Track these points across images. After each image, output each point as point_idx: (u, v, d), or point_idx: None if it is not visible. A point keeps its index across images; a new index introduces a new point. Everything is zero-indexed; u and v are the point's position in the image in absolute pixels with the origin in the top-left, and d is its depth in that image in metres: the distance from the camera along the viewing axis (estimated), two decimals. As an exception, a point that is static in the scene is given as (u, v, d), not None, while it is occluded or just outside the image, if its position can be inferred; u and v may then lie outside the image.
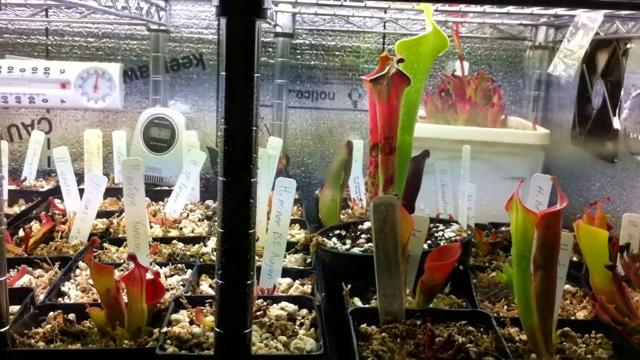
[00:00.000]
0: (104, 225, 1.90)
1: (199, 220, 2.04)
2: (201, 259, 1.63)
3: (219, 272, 1.02)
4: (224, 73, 0.99)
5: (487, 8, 1.98)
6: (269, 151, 1.92)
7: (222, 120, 1.00)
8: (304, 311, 1.35)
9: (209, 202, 2.26)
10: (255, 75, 1.00)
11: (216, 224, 1.93)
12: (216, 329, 1.04)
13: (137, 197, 1.57)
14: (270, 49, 2.54)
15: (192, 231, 1.94)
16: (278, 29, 2.48)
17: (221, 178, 1.01)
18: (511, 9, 1.99)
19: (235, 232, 1.02)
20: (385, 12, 2.45)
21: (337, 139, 2.61)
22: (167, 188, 2.30)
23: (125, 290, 1.26)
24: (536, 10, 1.98)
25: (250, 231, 1.02)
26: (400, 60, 1.60)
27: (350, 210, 2.16)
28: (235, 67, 0.99)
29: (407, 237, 1.36)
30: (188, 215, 2.03)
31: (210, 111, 2.57)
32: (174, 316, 1.26)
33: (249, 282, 1.03)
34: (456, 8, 2.05)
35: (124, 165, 1.55)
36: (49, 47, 2.49)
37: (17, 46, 2.48)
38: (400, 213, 1.28)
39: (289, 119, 2.57)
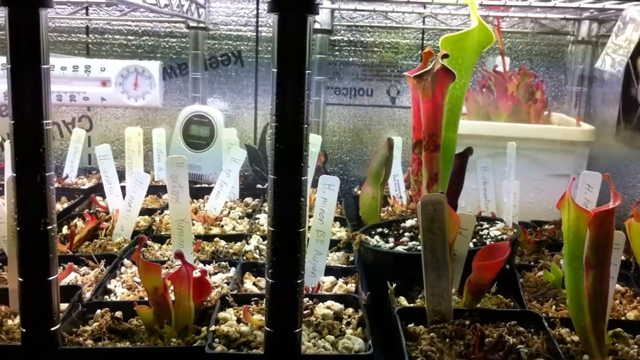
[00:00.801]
0: (146, 223, 1.91)
1: (239, 218, 2.04)
2: (244, 257, 1.63)
3: (269, 271, 1.02)
4: (275, 70, 0.98)
5: (533, 2, 1.94)
6: (310, 148, 1.90)
7: (273, 117, 0.99)
8: (350, 310, 1.34)
9: (248, 199, 2.26)
10: (307, 72, 0.98)
11: (257, 221, 1.95)
12: (266, 328, 1.03)
13: (181, 195, 1.57)
14: (308, 46, 2.52)
15: (233, 229, 1.94)
16: (317, 26, 2.47)
17: (271, 176, 1.00)
18: (558, 2, 1.94)
19: (286, 231, 1.01)
20: (425, 7, 2.42)
21: (375, 135, 2.60)
22: (206, 185, 2.31)
23: (172, 288, 1.26)
24: (583, 4, 1.93)
25: (301, 230, 1.01)
26: (445, 56, 1.57)
27: (390, 208, 2.14)
28: (286, 64, 0.97)
29: (454, 236, 1.34)
30: (229, 212, 2.04)
31: (248, 108, 2.57)
32: (221, 314, 1.26)
33: (299, 281, 1.02)
34: (501, 2, 2.01)
35: (168, 164, 1.55)
36: (90, 45, 2.51)
37: (58, 44, 2.50)
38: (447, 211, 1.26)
39: (326, 116, 2.56)
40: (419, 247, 1.56)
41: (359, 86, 2.56)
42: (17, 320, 1.27)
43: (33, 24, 0.96)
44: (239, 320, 1.24)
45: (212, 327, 1.19)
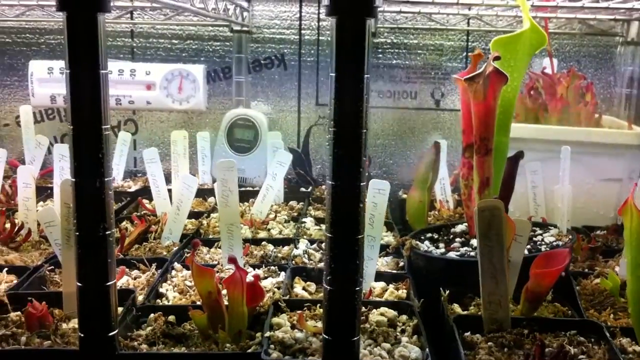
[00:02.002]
0: (193, 226, 1.91)
1: (285, 222, 2.03)
2: (293, 262, 1.62)
3: (328, 277, 1.00)
4: (333, 74, 0.96)
5: (586, 2, 1.89)
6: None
7: (332, 122, 0.97)
8: (404, 317, 1.32)
9: (292, 203, 2.25)
10: (366, 76, 0.97)
11: (303, 225, 1.93)
12: (324, 336, 1.02)
13: (231, 198, 1.56)
14: (352, 49, 2.50)
15: (280, 232, 1.93)
16: (360, 28, 2.44)
17: (330, 182, 0.99)
18: (611, 3, 1.90)
19: (344, 237, 0.99)
20: (470, 8, 2.39)
21: (419, 139, 2.57)
22: (250, 189, 2.31)
23: (225, 292, 1.25)
24: (638, 4, 1.88)
25: (360, 236, 1.00)
26: (497, 58, 1.54)
27: (437, 212, 2.12)
28: (345, 68, 0.96)
29: (510, 242, 1.32)
30: (275, 216, 2.03)
31: (291, 112, 2.56)
32: (275, 320, 1.25)
33: (358, 288, 1.01)
34: (552, 3, 1.97)
35: (218, 168, 1.55)
36: (135, 49, 2.53)
37: (104, 49, 2.52)
38: (504, 217, 1.24)
39: (370, 119, 2.53)
40: (472, 253, 1.54)
41: (403, 89, 2.54)
42: (72, 324, 1.28)
43: (91, 29, 0.96)
44: (293, 326, 1.23)
45: (267, 333, 1.18)
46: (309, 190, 2.40)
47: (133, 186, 2.32)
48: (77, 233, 0.99)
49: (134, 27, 2.51)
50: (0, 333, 1.20)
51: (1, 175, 2.01)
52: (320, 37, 2.51)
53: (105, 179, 0.98)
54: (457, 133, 2.50)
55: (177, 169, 2.20)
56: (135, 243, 1.73)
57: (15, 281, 1.48)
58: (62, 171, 1.96)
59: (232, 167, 1.56)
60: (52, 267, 1.53)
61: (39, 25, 2.51)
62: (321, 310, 1.31)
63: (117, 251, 1.66)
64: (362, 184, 0.99)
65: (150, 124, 2.58)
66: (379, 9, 2.34)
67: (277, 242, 1.79)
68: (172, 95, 2.42)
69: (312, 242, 1.78)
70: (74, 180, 0.98)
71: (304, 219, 2.02)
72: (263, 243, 1.77)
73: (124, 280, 1.49)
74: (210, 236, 1.86)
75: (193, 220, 1.96)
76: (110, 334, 1.02)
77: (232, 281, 1.23)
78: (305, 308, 1.33)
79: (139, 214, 2.01)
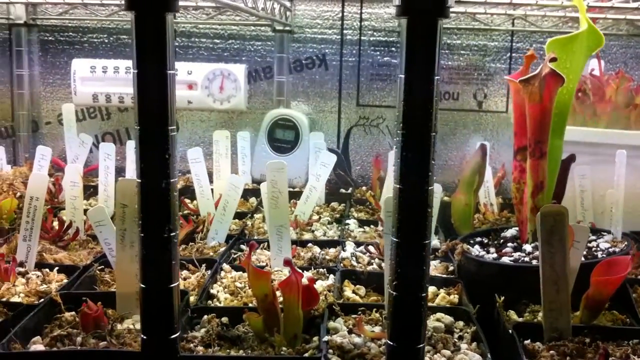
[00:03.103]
0: (237, 227, 1.90)
1: (329, 223, 2.02)
2: (341, 264, 1.60)
3: (394, 283, 0.98)
4: (402, 76, 0.95)
5: (636, 3, 1.85)
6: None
7: (400, 125, 0.95)
8: (461, 323, 1.29)
9: (334, 204, 2.23)
10: (436, 77, 0.95)
11: (347, 227, 1.92)
12: (389, 342, 1.00)
13: (280, 200, 1.55)
14: (393, 49, 2.49)
15: (324, 234, 1.91)
16: (403, 28, 2.42)
17: (397, 185, 0.97)
18: (667, 3, 1.85)
19: (411, 242, 0.97)
20: (515, 8, 2.35)
21: (461, 140, 2.53)
22: (291, 189, 2.29)
23: (280, 295, 1.24)
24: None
25: (427, 241, 0.98)
26: (553, 59, 1.51)
27: (482, 216, 2.09)
28: (415, 70, 0.94)
29: (568, 249, 1.28)
30: (320, 218, 2.01)
31: (332, 112, 2.54)
32: (331, 324, 1.23)
33: (424, 294, 0.99)
34: (608, 4, 1.93)
35: (268, 168, 1.54)
36: (177, 49, 2.53)
37: (146, 48, 2.53)
38: (566, 223, 1.21)
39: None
40: (526, 259, 1.51)
41: (445, 90, 2.51)
42: (126, 324, 1.27)
43: (159, 29, 0.95)
44: (350, 331, 1.21)
45: (325, 338, 1.16)
46: (349, 191, 2.38)
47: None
48: (142, 234, 0.98)
49: (176, 27, 2.51)
50: (55, 333, 1.20)
51: (46, 173, 2.02)
52: (362, 37, 2.49)
53: (171, 180, 0.98)
54: (500, 135, 2.48)
55: (219, 169, 2.20)
56: (182, 243, 1.72)
57: (65, 280, 1.48)
58: (107, 170, 1.97)
59: (282, 168, 1.55)
60: (102, 266, 1.53)
61: (81, 24, 2.53)
62: (377, 314, 1.29)
63: (165, 251, 1.66)
64: (430, 187, 0.97)
65: (190, 123, 2.58)
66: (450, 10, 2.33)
67: (323, 244, 1.78)
68: (214, 95, 2.42)
69: (357, 244, 1.77)
70: (140, 181, 0.97)
71: (347, 221, 2.00)
72: (309, 245, 1.75)
73: (174, 280, 1.48)
74: (255, 237, 1.85)
75: (236, 220, 1.96)
76: (172, 336, 1.02)
77: (288, 284, 1.21)
78: (360, 312, 1.31)
79: (181, 213, 2.00)
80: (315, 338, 1.21)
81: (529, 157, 1.58)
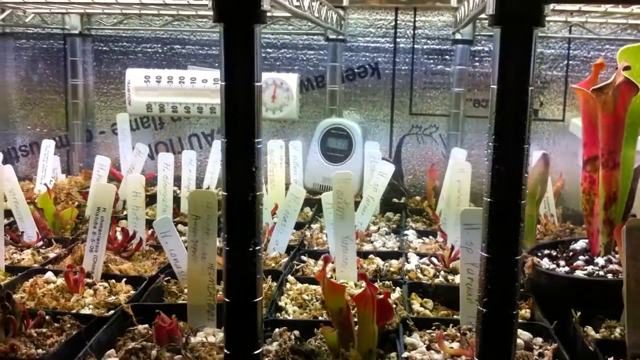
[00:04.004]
0: (295, 237, 1.89)
1: (386, 234, 1.99)
2: (407, 277, 1.58)
3: (484, 299, 0.95)
4: (495, 86, 0.92)
5: None
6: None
7: (492, 137, 0.93)
8: (539, 339, 1.26)
9: (389, 214, 2.21)
10: (530, 88, 0.92)
11: (405, 238, 1.89)
12: (478, 360, 0.97)
13: (346, 211, 1.54)
14: (447, 57, 2.46)
15: (384, 245, 1.89)
16: (457, 36, 2.40)
17: (487, 199, 0.94)
18: None
19: (503, 258, 0.94)
20: (572, 14, 2.30)
21: (516, 149, 2.48)
22: (345, 199, 2.27)
23: (355, 309, 1.22)
24: None
25: (518, 257, 0.95)
26: (627, 68, 1.47)
27: (543, 227, 2.04)
28: (509, 80, 0.91)
29: (651, 263, 1.24)
30: (378, 228, 1.99)
31: (384, 121, 2.52)
32: (408, 339, 1.21)
33: (515, 311, 0.96)
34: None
35: (336, 179, 1.53)
36: (229, 59, 2.53)
37: (198, 57, 2.54)
38: None
39: (465, 128, 2.48)
40: (600, 272, 1.47)
41: (500, 98, 2.46)
42: (199, 337, 1.26)
43: (248, 41, 0.94)
44: (428, 347, 1.19)
45: (405, 354, 1.14)
46: (402, 201, 2.35)
47: (228, 195, 2.32)
48: (227, 248, 0.97)
49: (228, 36, 2.51)
50: (130, 346, 1.20)
51: (105, 183, 2.03)
52: (415, 45, 2.46)
53: (257, 194, 0.96)
54: (557, 144, 2.43)
55: (274, 178, 2.19)
56: (244, 254, 1.71)
57: (132, 292, 1.48)
58: (166, 180, 1.97)
59: (348, 179, 1.53)
60: (168, 277, 1.52)
61: (135, 34, 2.55)
62: (453, 330, 1.26)
63: (229, 262, 1.65)
64: (522, 202, 0.94)
65: (242, 132, 2.57)
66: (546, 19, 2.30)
67: (384, 255, 1.75)
68: (266, 104, 2.41)
69: (421, 255, 1.74)
70: (225, 193, 0.96)
71: (405, 232, 1.97)
72: (370, 256, 1.73)
73: (241, 292, 1.47)
74: (315, 247, 1.83)
75: (294, 230, 1.94)
76: (256, 351, 1.00)
77: (363, 298, 1.19)
78: (434, 327, 1.28)
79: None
80: (393, 354, 1.19)
81: (601, 168, 1.53)
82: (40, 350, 1.17)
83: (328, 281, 1.20)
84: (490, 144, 0.94)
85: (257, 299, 0.99)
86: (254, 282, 0.98)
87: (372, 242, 1.90)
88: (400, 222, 2.11)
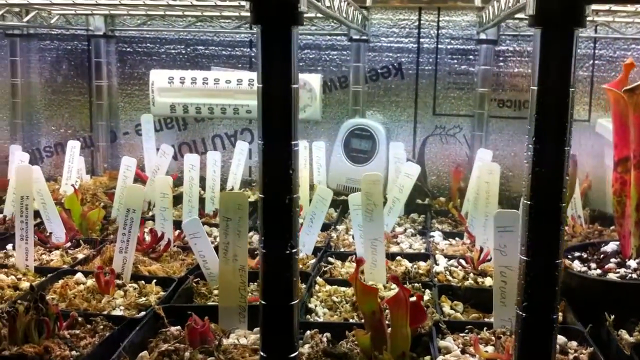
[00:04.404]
0: (322, 239, 1.88)
1: (412, 235, 1.98)
2: (436, 279, 1.57)
3: (523, 304, 0.94)
4: (535, 88, 0.91)
5: None
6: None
7: (533, 139, 0.92)
8: (574, 343, 1.24)
9: (413, 215, 2.20)
10: (571, 90, 0.91)
11: (432, 239, 1.88)
12: (517, 365, 0.96)
13: (375, 212, 1.53)
14: (471, 57, 2.44)
15: (410, 247, 1.88)
16: (482, 36, 2.38)
17: (526, 202, 0.93)
18: None
19: (543, 261, 0.93)
20: (598, 14, 2.28)
21: (541, 150, 2.46)
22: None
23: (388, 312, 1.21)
24: None
25: (558, 260, 0.94)
26: (660, 68, 1.45)
27: (570, 229, 2.02)
28: (550, 82, 0.90)
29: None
30: (405, 230, 1.98)
31: (407, 121, 2.51)
32: (442, 343, 1.20)
33: (555, 316, 0.95)
34: None
35: (364, 181, 1.52)
36: (253, 59, 2.53)
37: (222, 58, 2.54)
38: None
39: (489, 129, 2.46)
40: (633, 275, 1.45)
41: (525, 98, 2.45)
42: (231, 339, 1.26)
43: (285, 43, 0.94)
44: (462, 351, 1.18)
45: (440, 358, 1.13)
46: (425, 202, 2.34)
47: (252, 196, 2.32)
48: (264, 250, 0.97)
49: (252, 37, 2.51)
50: (163, 348, 1.20)
51: (131, 184, 2.03)
52: (439, 45, 2.45)
53: (294, 196, 0.96)
54: (582, 145, 2.40)
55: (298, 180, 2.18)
56: (271, 255, 1.70)
57: (162, 293, 1.48)
58: (192, 181, 1.98)
59: (377, 180, 1.53)
60: (197, 278, 1.52)
61: (159, 35, 2.55)
62: (487, 333, 1.25)
63: (256, 264, 1.65)
64: (562, 204, 0.93)
65: (265, 133, 2.57)
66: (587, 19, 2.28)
67: (411, 257, 1.74)
68: (289, 105, 2.40)
69: (449, 258, 1.73)
70: (262, 196, 0.96)
71: (432, 234, 1.96)
72: (397, 258, 1.72)
73: (271, 294, 1.47)
74: (342, 249, 1.83)
75: (319, 232, 1.93)
76: (292, 354, 0.99)
77: (396, 301, 1.19)
78: (467, 330, 1.27)
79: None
80: (427, 358, 1.18)
81: (633, 169, 1.52)
82: (74, 352, 1.18)
83: (361, 283, 1.19)
84: (530, 145, 0.93)
85: (294, 302, 0.99)
86: (290, 285, 0.98)
87: (398, 243, 1.89)
88: (426, 224, 2.10)
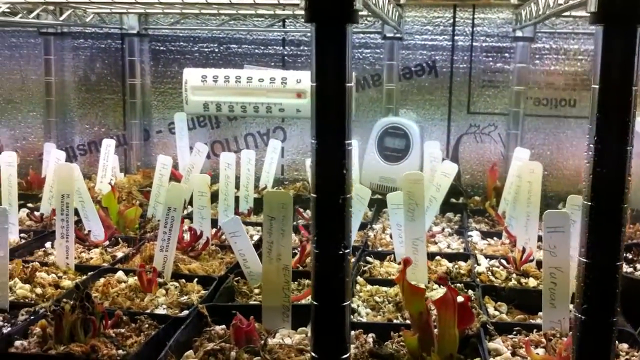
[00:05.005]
0: (359, 238, 1.87)
1: (449, 235, 1.96)
2: (478, 279, 1.55)
3: (583, 306, 0.92)
4: (596, 86, 0.89)
5: None
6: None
7: (595, 138, 0.90)
8: (624, 345, 1.22)
9: (449, 214, 2.18)
10: (634, 88, 0.89)
11: (470, 239, 1.86)
12: (575, 369, 0.94)
13: (417, 212, 1.51)
14: (506, 54, 2.41)
15: (448, 246, 1.86)
16: (518, 33, 2.35)
17: (587, 202, 0.91)
18: None
19: (603, 264, 0.91)
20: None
21: (578, 149, 2.43)
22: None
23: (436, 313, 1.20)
24: None
25: (619, 263, 0.91)
26: None
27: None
28: (612, 80, 0.88)
29: None
30: (443, 229, 1.96)
31: (441, 120, 2.49)
32: (491, 345, 1.18)
33: (615, 319, 0.92)
34: None
35: (405, 181, 1.50)
36: (286, 57, 2.53)
37: (254, 56, 2.54)
38: None
39: (525, 127, 2.43)
40: (683, 277, 1.42)
41: (561, 96, 2.41)
42: (277, 339, 1.25)
43: (340, 41, 0.93)
44: (513, 353, 1.16)
45: (491, 360, 1.12)
46: (460, 201, 2.32)
47: (286, 194, 2.31)
48: (317, 251, 0.96)
49: (285, 35, 2.51)
50: (209, 347, 1.19)
51: (167, 182, 2.04)
52: (474, 43, 2.42)
53: (347, 196, 0.94)
54: (621, 143, 2.36)
55: (332, 178, 2.17)
56: (310, 255, 1.69)
57: (202, 291, 1.48)
58: (228, 179, 1.97)
59: (419, 180, 1.51)
60: (238, 277, 1.52)
61: (192, 34, 2.55)
62: (536, 335, 1.23)
63: (296, 263, 1.64)
64: (624, 205, 0.91)
65: (299, 131, 2.57)
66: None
67: (450, 257, 1.72)
68: (322, 103, 2.39)
69: (489, 257, 1.71)
70: (314, 196, 0.95)
71: (469, 233, 1.94)
72: (437, 258, 1.70)
73: (311, 294, 1.46)
74: (379, 248, 1.82)
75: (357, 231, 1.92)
76: (344, 356, 0.98)
77: (444, 302, 1.17)
78: (515, 332, 1.25)
79: (294, 223, 1.98)
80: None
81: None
82: (120, 351, 1.17)
83: (408, 284, 1.18)
84: (591, 145, 0.91)
85: (346, 303, 0.97)
86: (342, 286, 0.97)
87: (436, 243, 1.87)
88: (462, 223, 2.08)
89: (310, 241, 0.98)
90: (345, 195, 0.95)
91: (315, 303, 0.98)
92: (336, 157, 0.94)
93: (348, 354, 0.99)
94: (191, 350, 1.21)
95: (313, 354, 0.99)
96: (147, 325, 1.27)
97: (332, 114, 0.94)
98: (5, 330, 1.27)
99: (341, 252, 0.96)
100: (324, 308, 0.98)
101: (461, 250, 1.81)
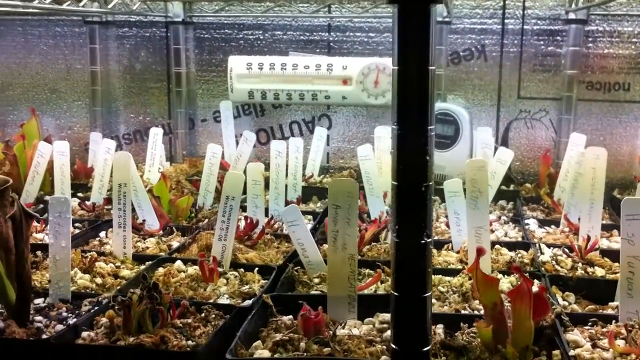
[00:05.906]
0: (414, 226, 1.84)
1: (505, 223, 1.92)
2: (543, 268, 1.51)
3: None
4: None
5: None
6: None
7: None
8: None
9: (501, 202, 2.14)
10: None
11: (528, 227, 1.81)
12: (669, 363, 0.90)
13: (480, 200, 1.48)
14: (558, 37, 2.35)
15: (506, 235, 1.82)
16: (571, 16, 2.29)
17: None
18: None
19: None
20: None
21: (631, 134, 2.37)
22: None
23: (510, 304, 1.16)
24: None
25: None
26: None
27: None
28: None
29: None
30: (499, 217, 1.92)
31: (490, 105, 2.43)
32: (570, 337, 1.14)
33: None
34: None
35: (469, 167, 1.47)
36: (331, 43, 2.49)
37: (300, 43, 2.51)
38: None
39: (578, 112, 2.37)
40: None
41: (615, 80, 2.35)
42: (345, 330, 1.23)
43: (423, 22, 0.89)
44: (593, 345, 1.12)
45: (572, 352, 1.08)
46: (510, 188, 2.27)
47: (334, 182, 2.28)
48: (397, 240, 0.93)
49: (331, 21, 2.47)
50: (277, 338, 1.18)
51: (216, 171, 2.02)
52: (525, 26, 2.36)
53: (429, 184, 0.92)
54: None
55: (381, 166, 2.14)
56: (367, 244, 1.67)
57: (262, 281, 1.46)
58: (278, 167, 1.96)
59: (483, 167, 1.47)
60: (297, 266, 1.50)
61: (237, 21, 2.53)
62: (614, 326, 1.19)
63: (354, 252, 1.61)
64: None
65: (344, 118, 2.54)
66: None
67: (509, 246, 1.68)
68: (368, 90, 2.36)
69: (549, 246, 1.67)
70: (396, 183, 0.92)
71: (527, 221, 1.90)
72: (496, 247, 1.66)
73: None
74: (436, 237, 1.78)
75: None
76: (425, 348, 0.96)
77: (519, 293, 1.14)
78: (590, 323, 1.21)
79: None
80: (556, 352, 1.12)
81: None
82: (190, 342, 1.16)
83: (482, 274, 1.14)
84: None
85: (427, 294, 0.95)
86: (424, 276, 0.94)
87: (493, 231, 1.83)
88: (516, 211, 2.03)
89: (391, 230, 0.95)
90: (427, 183, 0.92)
91: (395, 294, 0.95)
92: (419, 144, 0.91)
93: (429, 346, 0.97)
94: (259, 341, 1.19)
95: (394, 346, 0.97)
96: (213, 316, 1.25)
97: (415, 99, 0.91)
98: (71, 322, 1.27)
99: (423, 242, 0.93)
100: (405, 299, 0.95)
101: (519, 239, 1.77)
